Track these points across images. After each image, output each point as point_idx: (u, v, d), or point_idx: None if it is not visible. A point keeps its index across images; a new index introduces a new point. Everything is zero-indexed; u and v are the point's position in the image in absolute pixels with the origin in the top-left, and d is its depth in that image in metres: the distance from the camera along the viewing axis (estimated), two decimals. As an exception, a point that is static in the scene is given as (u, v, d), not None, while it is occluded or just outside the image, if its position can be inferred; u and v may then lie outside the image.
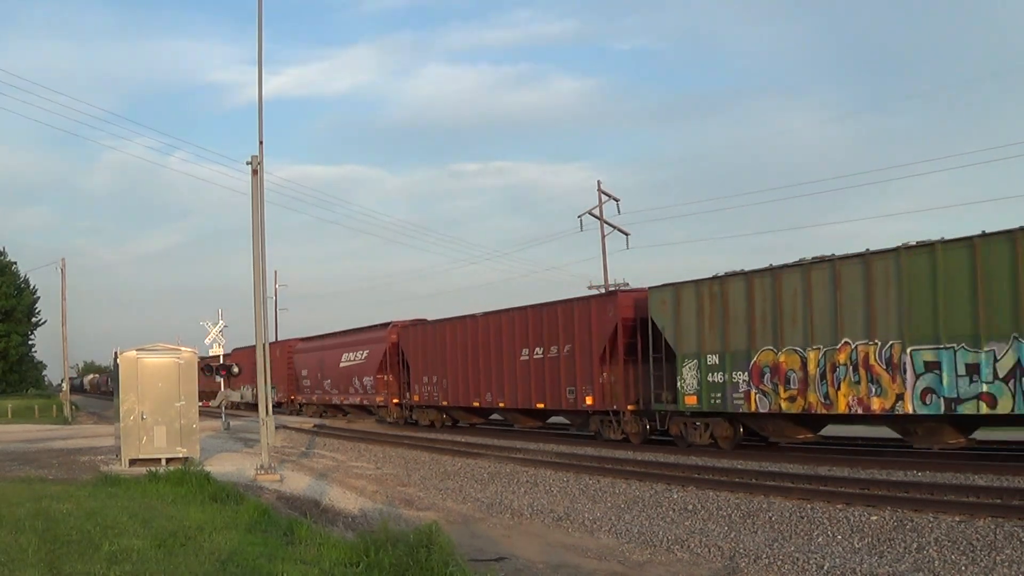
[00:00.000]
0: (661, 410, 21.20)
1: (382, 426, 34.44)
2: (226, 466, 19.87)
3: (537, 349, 25.18)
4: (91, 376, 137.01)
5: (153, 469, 17.18)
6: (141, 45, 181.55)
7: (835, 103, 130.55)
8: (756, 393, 18.71)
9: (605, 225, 45.94)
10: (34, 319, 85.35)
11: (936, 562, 9.45)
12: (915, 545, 10.19)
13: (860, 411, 16.88)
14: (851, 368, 16.83)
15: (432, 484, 17.83)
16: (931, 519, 11.22)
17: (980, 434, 17.39)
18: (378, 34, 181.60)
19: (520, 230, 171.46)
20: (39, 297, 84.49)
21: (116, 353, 20.74)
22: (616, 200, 46.01)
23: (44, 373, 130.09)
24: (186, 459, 19.52)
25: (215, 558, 8.65)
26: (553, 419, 28.58)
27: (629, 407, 22.12)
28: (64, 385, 58.93)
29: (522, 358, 25.77)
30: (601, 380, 22.68)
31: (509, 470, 18.89)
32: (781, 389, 18.14)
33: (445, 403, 30.68)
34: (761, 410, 18.72)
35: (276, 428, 24.62)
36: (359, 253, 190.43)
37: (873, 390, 16.46)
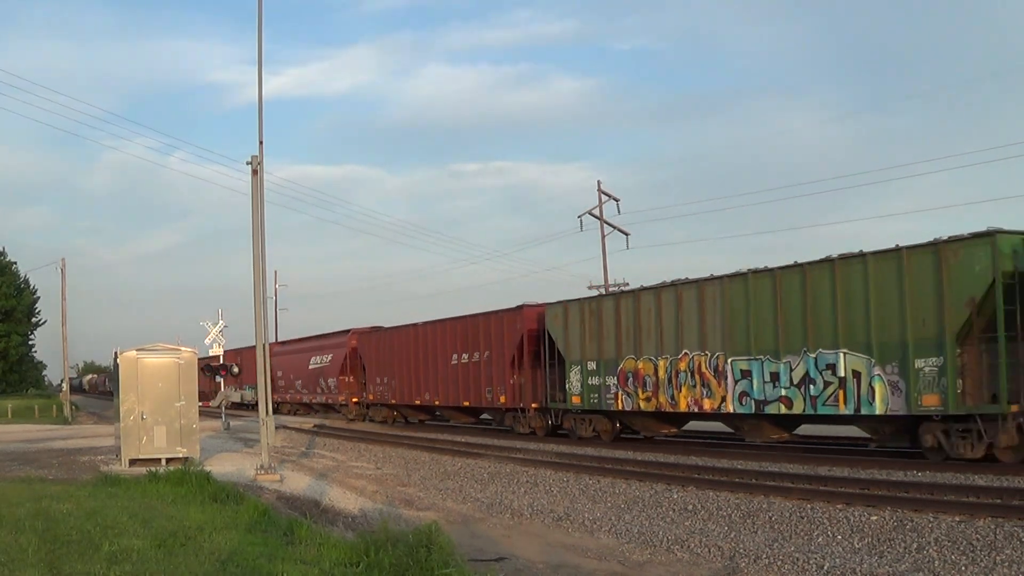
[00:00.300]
0: (556, 408, 25.12)
1: (382, 426, 34.69)
2: (226, 466, 19.87)
3: (464, 355, 29.05)
4: (89, 376, 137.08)
5: (153, 469, 17.17)
6: (141, 45, 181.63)
7: (835, 103, 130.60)
8: (623, 394, 22.34)
9: (605, 225, 46.00)
10: (34, 319, 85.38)
11: (936, 562, 9.44)
12: (915, 545, 10.19)
13: (696, 410, 20.46)
14: (689, 374, 20.38)
15: (432, 484, 17.83)
16: (931, 519, 11.22)
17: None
18: (378, 34, 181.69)
19: (520, 230, 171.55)
20: (39, 297, 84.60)
21: (116, 353, 20.73)
22: (616, 200, 46.07)
23: (44, 373, 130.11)
24: (186, 459, 19.51)
25: (215, 558, 8.65)
26: (484, 415, 31.82)
27: (533, 405, 25.93)
28: (64, 385, 58.91)
29: (452, 362, 29.67)
30: (512, 382, 26.51)
31: (509, 470, 18.89)
32: (640, 391, 21.77)
33: (394, 401, 34.41)
34: (627, 408, 22.33)
35: (276, 428, 24.63)
36: (359, 253, 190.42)
37: (704, 392, 20.00)
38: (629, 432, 23.99)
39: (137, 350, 20.42)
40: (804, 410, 17.70)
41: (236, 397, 33.43)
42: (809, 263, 17.47)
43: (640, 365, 21.64)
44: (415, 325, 32.72)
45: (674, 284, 20.82)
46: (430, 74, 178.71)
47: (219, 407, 34.73)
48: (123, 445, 20.00)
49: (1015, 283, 14.64)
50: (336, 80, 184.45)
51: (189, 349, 21.06)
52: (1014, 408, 14.36)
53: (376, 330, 36.64)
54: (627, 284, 40.98)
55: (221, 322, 34.88)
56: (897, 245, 15.92)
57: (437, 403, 31.36)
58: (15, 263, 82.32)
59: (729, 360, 19.21)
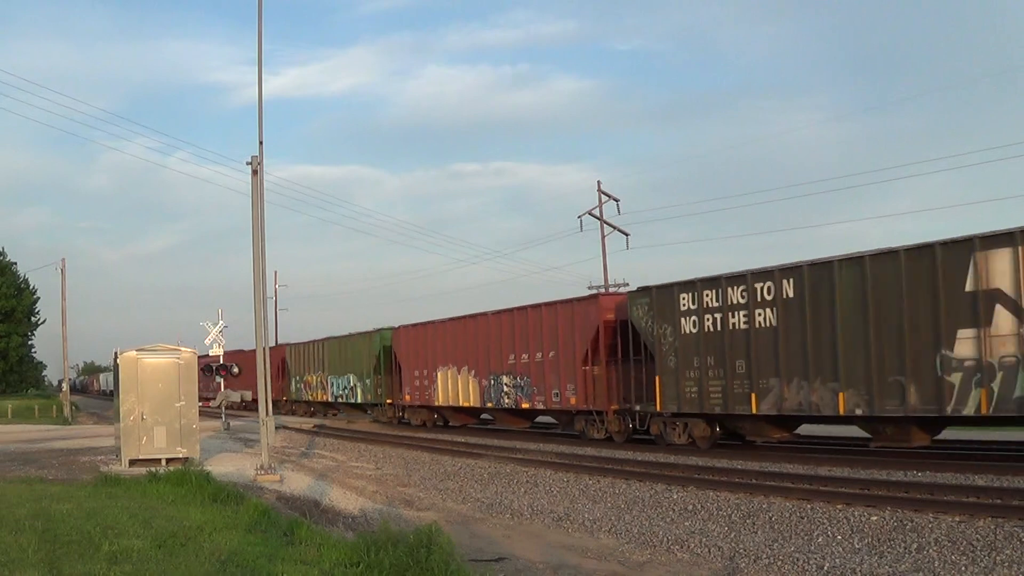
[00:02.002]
0: (289, 399, 46.72)
1: (382, 426, 34.88)
2: (226, 466, 19.88)
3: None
4: (81, 377, 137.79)
5: (153, 469, 17.16)
6: (141, 45, 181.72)
7: (835, 104, 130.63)
8: (306, 391, 44.32)
9: (605, 225, 45.99)
10: (34, 319, 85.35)
11: (936, 562, 9.44)
12: (915, 545, 10.19)
13: (323, 400, 42.20)
14: (325, 382, 41.42)
15: (432, 484, 17.83)
16: (931, 519, 11.22)
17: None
18: (378, 35, 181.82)
19: (520, 230, 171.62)
20: (39, 297, 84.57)
21: (116, 353, 20.72)
22: (616, 200, 46.14)
23: (44, 373, 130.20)
24: (186, 459, 19.52)
25: (215, 558, 8.65)
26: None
27: (284, 398, 46.39)
28: (64, 385, 58.90)
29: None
30: (278, 384, 43.99)
31: (509, 470, 18.90)
32: (310, 390, 43.75)
33: (253, 399, 50.44)
34: (308, 399, 44.33)
35: (276, 428, 24.63)
36: (359, 253, 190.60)
37: (323, 391, 41.80)
38: (321, 414, 43.57)
39: (137, 350, 20.41)
40: (349, 401, 38.95)
41: (236, 397, 33.48)
42: (360, 332, 38.49)
43: (309, 377, 43.80)
44: (244, 350, 54.46)
45: (321, 340, 42.39)
46: (430, 74, 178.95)
47: (219, 407, 34.77)
48: (123, 445, 20.00)
49: (390, 351, 34.68)
50: (336, 80, 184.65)
51: (189, 349, 21.06)
52: (389, 400, 35.09)
53: (238, 352, 56.87)
54: (627, 284, 41.17)
55: (221, 322, 34.93)
56: (363, 332, 37.96)
57: (255, 399, 47.72)
58: (15, 263, 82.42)
59: (328, 377, 40.76)
